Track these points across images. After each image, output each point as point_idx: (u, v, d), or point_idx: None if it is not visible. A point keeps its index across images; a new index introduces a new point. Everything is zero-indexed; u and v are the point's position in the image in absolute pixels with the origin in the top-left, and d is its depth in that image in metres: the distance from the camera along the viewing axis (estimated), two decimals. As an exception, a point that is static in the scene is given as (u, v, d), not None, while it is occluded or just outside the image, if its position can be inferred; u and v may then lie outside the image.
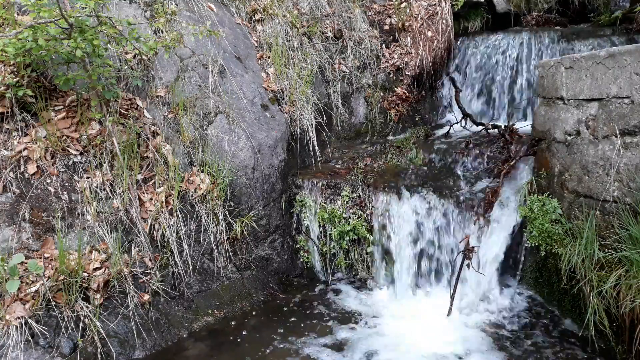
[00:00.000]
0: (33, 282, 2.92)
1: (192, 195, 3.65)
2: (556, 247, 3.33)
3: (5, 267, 2.82)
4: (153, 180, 3.58)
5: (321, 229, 4.24)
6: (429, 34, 5.62)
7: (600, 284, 2.90)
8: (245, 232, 3.88)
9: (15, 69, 3.21)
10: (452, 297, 3.61)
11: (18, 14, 3.47)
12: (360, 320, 3.61)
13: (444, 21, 5.67)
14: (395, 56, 5.67)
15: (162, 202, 3.48)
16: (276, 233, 4.12)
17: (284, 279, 4.13)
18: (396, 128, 5.49)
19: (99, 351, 2.96)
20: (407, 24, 5.66)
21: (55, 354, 2.84)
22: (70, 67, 3.37)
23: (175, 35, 3.61)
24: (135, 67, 3.85)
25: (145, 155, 3.59)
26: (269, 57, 4.79)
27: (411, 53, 5.65)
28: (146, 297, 3.30)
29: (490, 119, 5.38)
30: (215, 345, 3.27)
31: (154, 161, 3.59)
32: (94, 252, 3.19)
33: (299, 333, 3.42)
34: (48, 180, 3.21)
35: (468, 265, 3.59)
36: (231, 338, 3.37)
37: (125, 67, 3.75)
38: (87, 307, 3.00)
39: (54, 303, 2.92)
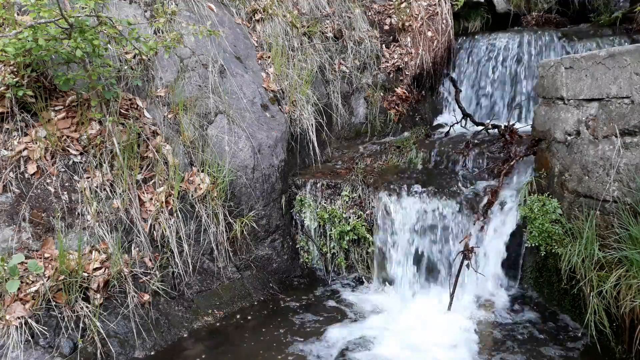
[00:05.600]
0: (33, 282, 2.92)
1: (192, 195, 3.65)
2: (556, 247, 3.33)
3: (5, 267, 2.82)
4: (153, 180, 3.58)
5: (321, 229, 4.24)
6: (429, 34, 5.62)
7: (600, 284, 2.90)
8: (245, 232, 3.88)
9: (15, 69, 3.20)
10: (452, 296, 3.61)
11: (18, 14, 3.47)
12: (361, 319, 3.61)
13: (444, 21, 5.67)
14: (395, 56, 5.67)
15: (162, 202, 3.48)
16: (276, 233, 4.12)
17: (284, 279, 4.13)
18: (396, 128, 5.49)
19: (99, 351, 2.96)
20: (407, 24, 5.66)
21: (55, 354, 2.83)
22: (70, 67, 3.37)
23: (175, 35, 3.61)
24: (135, 67, 3.85)
25: (145, 155, 3.59)
26: (269, 57, 4.79)
27: (411, 53, 5.65)
28: (146, 297, 3.30)
29: (490, 119, 5.38)
30: (215, 346, 3.27)
31: (154, 161, 3.59)
32: (94, 252, 3.19)
33: (299, 333, 3.42)
34: (48, 180, 3.21)
35: (468, 265, 3.59)
36: (231, 338, 3.37)
37: (125, 67, 3.75)
38: (87, 307, 2.99)
39: (54, 303, 2.92)
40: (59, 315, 2.92)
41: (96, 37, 3.19)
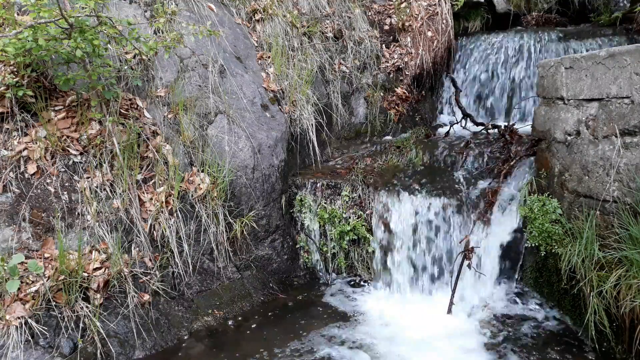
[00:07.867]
0: (33, 282, 2.92)
1: (192, 195, 3.65)
2: (556, 247, 3.33)
3: (5, 267, 2.82)
4: (153, 180, 3.58)
5: (321, 229, 4.24)
6: (429, 34, 5.62)
7: (600, 284, 2.90)
8: (245, 232, 3.88)
9: (15, 69, 3.20)
10: (452, 296, 3.61)
11: (18, 14, 3.47)
12: (361, 319, 3.61)
13: (444, 21, 5.67)
14: (395, 56, 5.67)
15: (162, 202, 3.48)
16: (276, 233, 4.12)
17: (284, 279, 4.13)
18: (396, 128, 5.49)
19: (99, 351, 2.96)
20: (407, 24, 5.66)
21: (55, 354, 2.84)
22: (70, 67, 3.37)
23: (175, 35, 3.61)
24: (135, 67, 3.85)
25: (145, 155, 3.59)
26: (269, 57, 4.79)
27: (411, 53, 5.65)
28: (146, 297, 3.30)
29: (490, 119, 5.38)
30: (215, 345, 3.27)
31: (154, 161, 3.59)
32: (94, 252, 3.19)
33: (299, 333, 3.42)
34: (48, 180, 3.21)
35: (468, 266, 3.59)
36: (231, 338, 3.37)
37: (125, 67, 3.75)
38: (87, 307, 3.00)
39: (54, 303, 2.92)
40: (59, 315, 2.92)
41: (96, 37, 3.19)
